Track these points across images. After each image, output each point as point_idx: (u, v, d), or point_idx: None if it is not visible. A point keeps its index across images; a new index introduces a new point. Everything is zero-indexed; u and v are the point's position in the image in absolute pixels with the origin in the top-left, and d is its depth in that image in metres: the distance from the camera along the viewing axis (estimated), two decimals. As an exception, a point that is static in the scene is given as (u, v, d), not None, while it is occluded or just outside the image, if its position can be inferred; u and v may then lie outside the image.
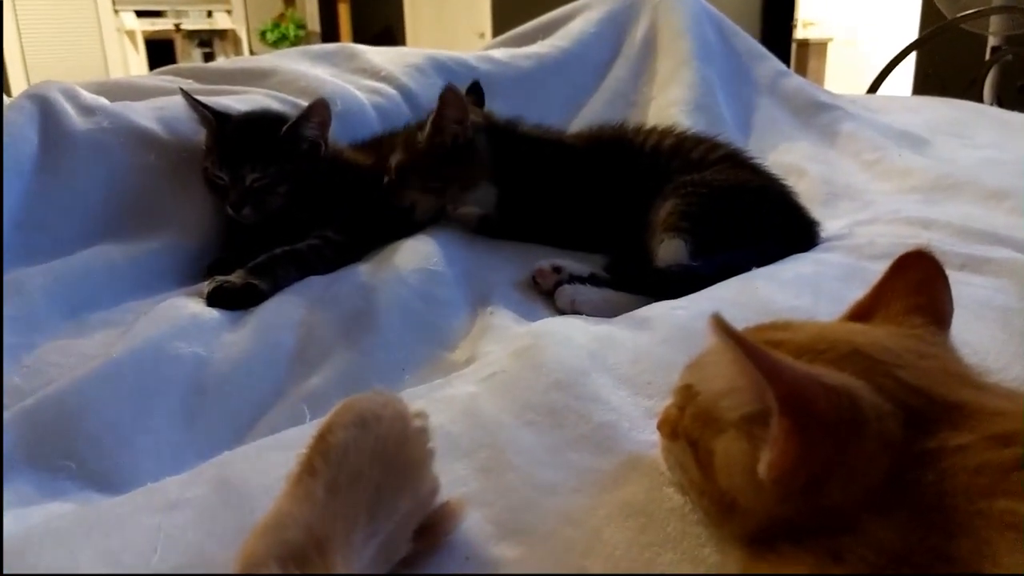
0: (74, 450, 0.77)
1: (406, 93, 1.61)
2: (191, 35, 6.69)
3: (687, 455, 0.51)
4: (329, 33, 7.05)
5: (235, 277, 1.07)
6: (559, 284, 1.09)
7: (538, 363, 0.74)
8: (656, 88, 1.87)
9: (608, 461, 0.61)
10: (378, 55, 1.73)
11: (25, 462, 0.75)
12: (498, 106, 1.44)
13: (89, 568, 0.51)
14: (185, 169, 1.25)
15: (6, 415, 0.79)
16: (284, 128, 1.21)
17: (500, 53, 1.86)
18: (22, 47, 5.73)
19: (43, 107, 1.20)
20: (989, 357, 0.73)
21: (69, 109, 1.22)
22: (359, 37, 6.19)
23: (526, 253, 1.20)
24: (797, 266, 1.05)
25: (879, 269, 0.57)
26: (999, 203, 1.31)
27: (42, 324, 0.98)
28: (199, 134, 1.28)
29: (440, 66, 1.72)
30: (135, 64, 6.29)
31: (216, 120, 1.22)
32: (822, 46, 5.82)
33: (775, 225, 1.18)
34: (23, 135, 1.15)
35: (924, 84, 3.41)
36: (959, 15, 2.81)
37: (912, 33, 3.73)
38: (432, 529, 0.51)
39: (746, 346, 0.42)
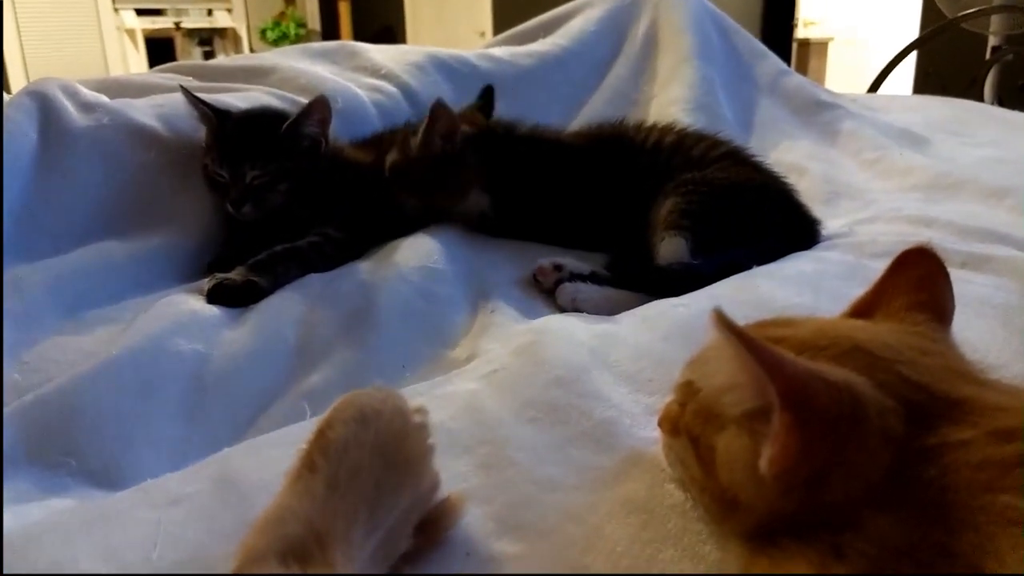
0: (74, 446, 0.77)
1: (407, 91, 1.61)
2: (191, 33, 6.69)
3: (688, 451, 0.51)
4: (329, 32, 7.05)
5: (235, 274, 1.07)
6: (560, 282, 1.08)
7: (539, 360, 0.74)
8: (657, 86, 1.86)
9: (609, 458, 0.61)
10: (379, 53, 1.72)
11: (25, 458, 0.75)
12: (498, 104, 1.44)
13: (89, 564, 0.51)
14: (185, 166, 1.25)
15: (6, 411, 0.79)
16: (284, 125, 1.21)
17: (501, 51, 1.86)
18: (22, 46, 5.73)
19: (43, 104, 1.20)
20: (990, 354, 0.73)
21: (69, 106, 1.22)
22: (359, 36, 6.19)
23: (527, 251, 1.20)
24: (798, 264, 1.05)
25: (880, 267, 0.57)
26: (1000, 201, 1.31)
27: (42, 321, 0.97)
28: (199, 131, 1.27)
29: (441, 64, 1.72)
30: (135, 62, 6.29)
31: (216, 117, 1.22)
32: (823, 45, 5.81)
33: (776, 223, 1.18)
34: (22, 132, 1.15)
35: (925, 83, 3.40)
36: (960, 14, 2.81)
37: (913, 32, 3.73)
38: (433, 525, 0.51)
39: (747, 341, 0.41)
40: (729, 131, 1.57)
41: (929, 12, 3.64)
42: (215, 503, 0.57)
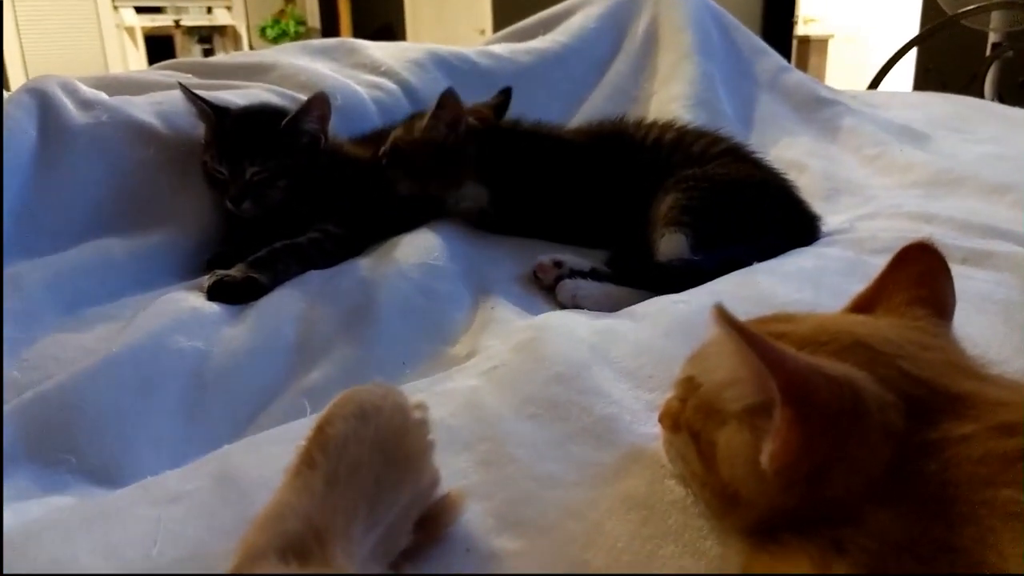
0: (74, 444, 0.77)
1: (406, 88, 1.61)
2: (191, 31, 6.69)
3: (689, 447, 0.51)
4: (329, 30, 7.04)
5: (235, 271, 1.07)
6: (560, 279, 1.08)
7: (539, 356, 0.74)
8: (657, 83, 1.86)
9: (609, 454, 0.60)
10: (378, 50, 1.72)
11: (25, 456, 0.75)
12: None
13: (89, 561, 0.51)
14: (184, 164, 1.24)
15: (5, 409, 0.79)
16: (284, 122, 1.21)
17: (500, 48, 1.85)
18: (21, 44, 5.73)
19: (42, 101, 1.20)
20: (991, 350, 0.72)
21: (68, 103, 1.22)
22: (359, 34, 6.17)
23: (527, 248, 1.20)
24: (798, 260, 1.04)
25: (880, 263, 0.57)
26: (1000, 197, 1.31)
27: (41, 318, 0.97)
28: (198, 129, 1.27)
29: (441, 61, 1.71)
30: (134, 60, 6.29)
31: (215, 114, 1.22)
32: (823, 43, 5.81)
33: (776, 219, 1.18)
34: (22, 129, 1.15)
35: (925, 80, 3.40)
36: (959, 11, 2.81)
37: (913, 29, 3.72)
38: (433, 521, 0.51)
39: (749, 336, 0.41)
40: (729, 128, 1.57)
41: (929, 9, 3.63)
42: (215, 500, 0.57)
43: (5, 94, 1.25)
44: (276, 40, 6.61)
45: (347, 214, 1.22)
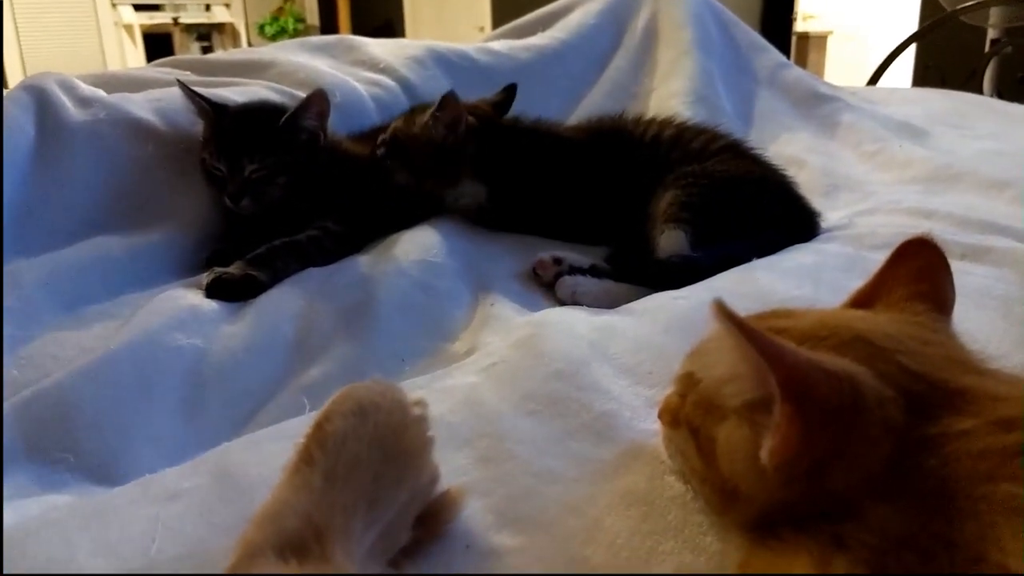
0: (72, 442, 0.77)
1: (405, 85, 1.60)
2: (189, 29, 6.68)
3: (689, 443, 0.51)
4: (328, 27, 7.03)
5: (234, 268, 1.06)
6: (559, 275, 1.08)
7: (539, 353, 0.74)
8: (657, 79, 1.86)
9: (609, 450, 0.60)
10: (377, 47, 1.72)
11: (23, 454, 0.75)
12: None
13: (87, 560, 0.51)
14: (183, 161, 1.24)
15: (4, 406, 0.79)
16: (282, 119, 1.20)
17: (500, 45, 1.85)
18: (19, 42, 5.72)
19: (40, 98, 1.20)
20: (990, 346, 0.73)
21: (66, 100, 1.21)
22: (358, 31, 6.14)
23: (526, 245, 1.20)
24: (798, 256, 1.04)
25: (879, 259, 0.57)
26: (1000, 193, 1.31)
27: (39, 316, 0.97)
28: (197, 126, 1.27)
29: (440, 58, 1.71)
30: (133, 58, 6.28)
31: (214, 111, 1.22)
32: (822, 39, 5.81)
33: (776, 216, 1.18)
34: (20, 126, 1.14)
35: (924, 76, 3.39)
36: (958, 7, 2.80)
37: (912, 26, 3.72)
38: (432, 518, 0.51)
39: (748, 332, 0.41)
40: (728, 124, 1.57)
41: (928, 5, 3.63)
42: (214, 498, 0.57)
43: (3, 92, 1.24)
44: (275, 38, 6.60)
45: (346, 211, 1.22)
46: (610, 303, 0.97)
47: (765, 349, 0.41)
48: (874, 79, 2.91)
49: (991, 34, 3.01)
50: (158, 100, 1.31)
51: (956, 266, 0.56)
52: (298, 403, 0.84)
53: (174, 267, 1.15)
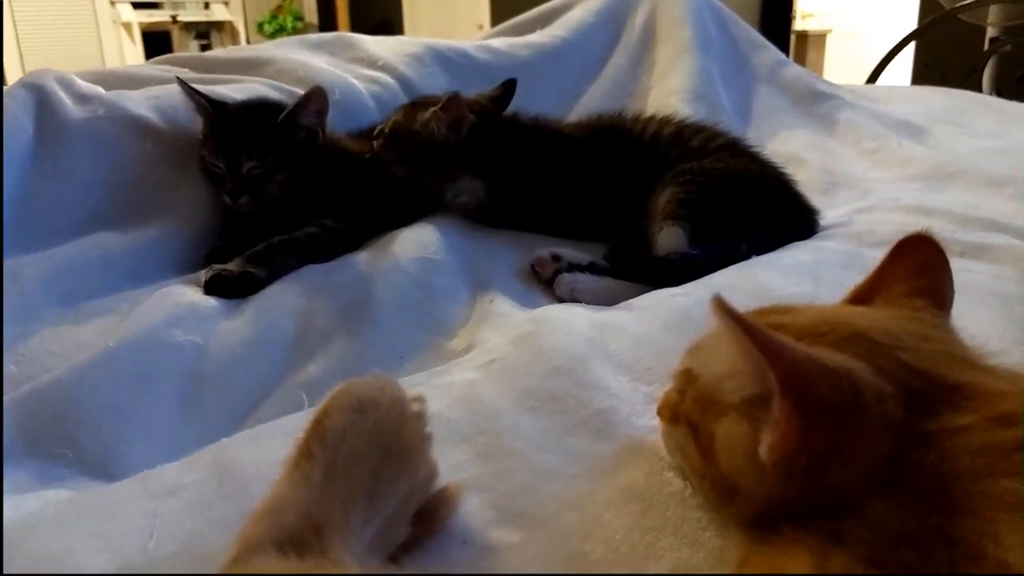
0: (71, 438, 0.77)
1: (404, 82, 1.60)
2: (188, 27, 6.66)
3: (688, 439, 0.51)
4: (327, 26, 7.01)
5: (233, 265, 1.06)
6: (558, 272, 1.08)
7: (538, 350, 0.74)
8: (655, 77, 1.86)
9: (608, 446, 0.60)
10: (376, 44, 1.72)
11: (22, 450, 0.75)
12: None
13: (85, 555, 0.51)
14: (182, 158, 1.24)
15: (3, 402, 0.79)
16: (281, 116, 1.20)
17: (499, 43, 1.85)
18: (18, 40, 5.71)
19: (39, 95, 1.19)
20: (989, 342, 0.72)
21: (65, 98, 1.21)
22: (357, 29, 6.12)
23: (525, 242, 1.20)
24: (797, 253, 1.04)
25: (878, 256, 0.57)
26: (999, 190, 1.31)
27: (38, 313, 0.97)
28: (195, 123, 1.27)
29: (439, 55, 1.71)
30: (132, 56, 6.26)
31: (213, 108, 1.22)
32: (821, 38, 5.81)
33: (774, 213, 1.18)
34: (18, 124, 1.14)
35: (923, 75, 3.40)
36: (957, 5, 2.80)
37: (911, 24, 3.72)
38: (431, 514, 0.51)
39: (747, 327, 0.41)
40: (727, 121, 1.57)
41: (927, 3, 3.63)
42: (212, 493, 0.57)
43: (2, 89, 1.24)
44: (273, 36, 6.59)
45: (345, 209, 1.22)
46: (609, 300, 0.97)
47: (764, 345, 0.41)
48: (873, 77, 2.91)
49: (990, 32, 3.01)
50: (157, 97, 1.31)
51: (955, 263, 0.56)
52: (297, 399, 0.84)
53: (173, 264, 1.15)
